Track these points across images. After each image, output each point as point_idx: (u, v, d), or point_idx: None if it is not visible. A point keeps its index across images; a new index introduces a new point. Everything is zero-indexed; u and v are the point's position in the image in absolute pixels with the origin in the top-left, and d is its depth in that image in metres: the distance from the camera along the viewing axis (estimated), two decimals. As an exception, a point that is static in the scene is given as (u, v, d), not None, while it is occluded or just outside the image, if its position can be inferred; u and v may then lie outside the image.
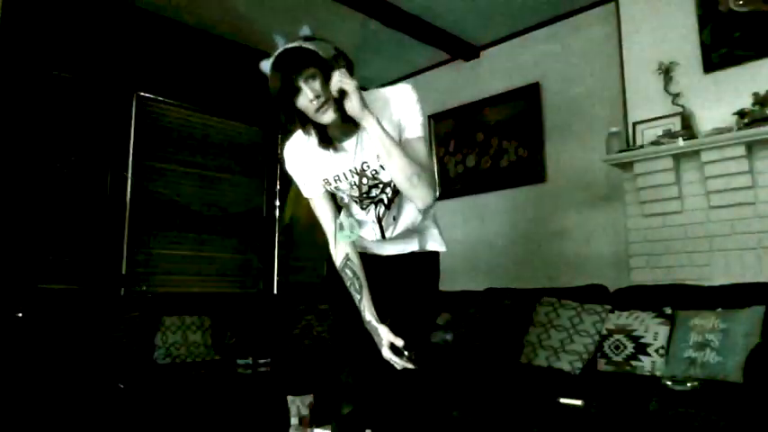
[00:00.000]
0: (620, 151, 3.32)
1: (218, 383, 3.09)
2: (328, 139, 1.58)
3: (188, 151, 4.13)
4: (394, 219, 1.71)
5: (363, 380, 1.77)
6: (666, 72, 3.25)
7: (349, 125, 1.56)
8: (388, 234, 1.72)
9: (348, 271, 1.68)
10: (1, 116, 3.23)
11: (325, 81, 1.47)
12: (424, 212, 1.75)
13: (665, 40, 3.32)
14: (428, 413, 1.93)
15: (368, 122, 1.48)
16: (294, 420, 2.18)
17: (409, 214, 1.72)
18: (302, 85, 1.46)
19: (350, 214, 1.74)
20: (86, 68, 3.62)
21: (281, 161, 4.63)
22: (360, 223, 1.72)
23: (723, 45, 3.08)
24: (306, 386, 2.35)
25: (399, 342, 1.55)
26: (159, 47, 3.97)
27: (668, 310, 2.67)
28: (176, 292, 3.89)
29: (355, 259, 1.69)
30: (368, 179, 1.62)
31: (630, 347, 2.64)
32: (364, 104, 1.48)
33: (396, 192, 1.66)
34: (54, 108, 3.47)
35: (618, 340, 2.71)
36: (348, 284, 1.67)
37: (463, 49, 4.44)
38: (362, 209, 1.69)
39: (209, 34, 4.19)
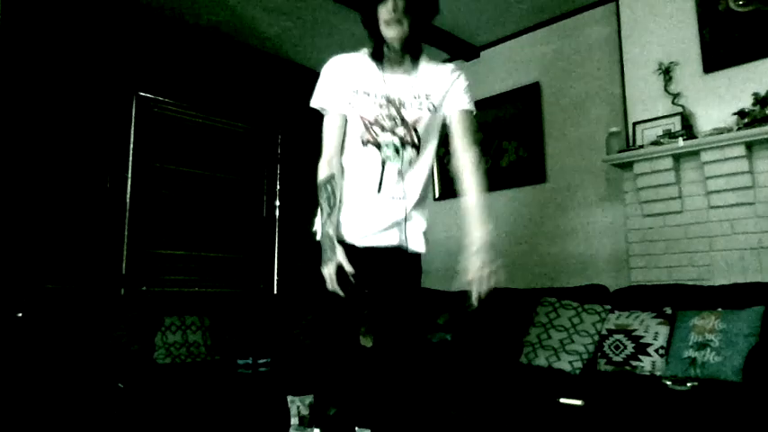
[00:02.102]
0: (620, 151, 3.32)
1: (218, 383, 3.09)
2: (381, 53, 1.70)
3: (188, 151, 4.13)
4: (399, 174, 1.70)
5: (348, 380, 1.78)
6: (666, 72, 3.25)
7: (405, 56, 1.70)
8: (384, 189, 1.69)
9: (329, 187, 1.71)
10: (1, 116, 3.23)
11: (408, 7, 1.60)
12: (425, 189, 1.76)
13: (665, 40, 3.32)
14: (422, 411, 1.94)
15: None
16: (294, 420, 2.18)
17: (415, 179, 1.73)
18: None
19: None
20: (86, 68, 3.62)
21: (281, 161, 4.63)
22: (362, 170, 1.71)
23: (723, 45, 3.08)
24: (306, 386, 2.35)
25: (349, 268, 1.60)
26: (159, 47, 3.97)
27: (668, 310, 2.67)
28: (176, 291, 3.89)
29: (339, 181, 1.73)
30: (396, 112, 1.68)
31: (630, 347, 2.64)
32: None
33: (413, 145, 1.70)
34: (54, 108, 3.47)
35: (618, 340, 2.71)
36: (323, 198, 1.70)
37: (463, 49, 4.44)
38: (376, 146, 1.68)
39: (209, 34, 4.19)
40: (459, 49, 4.44)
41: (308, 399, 2.22)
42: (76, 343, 3.11)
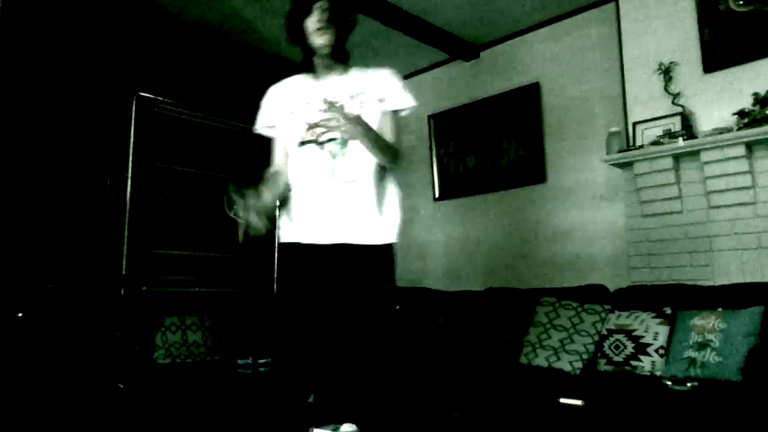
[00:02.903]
0: (620, 151, 3.32)
1: (218, 383, 3.09)
2: (311, 63, 1.87)
3: (188, 151, 4.13)
4: (346, 166, 1.80)
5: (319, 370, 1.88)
6: (666, 72, 3.25)
7: (334, 62, 1.87)
8: (339, 176, 1.80)
9: (274, 174, 1.93)
10: (1, 116, 3.23)
11: (332, 17, 1.79)
12: (383, 172, 1.86)
13: (665, 40, 3.32)
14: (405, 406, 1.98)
15: (360, 137, 1.73)
16: None
17: (366, 169, 1.83)
18: (316, 8, 1.79)
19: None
20: (86, 68, 3.62)
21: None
22: (311, 165, 1.83)
23: (723, 45, 3.08)
24: (306, 386, 2.35)
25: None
26: (159, 47, 3.97)
27: (668, 310, 2.67)
28: (176, 291, 3.89)
29: (284, 177, 1.92)
30: (338, 110, 1.77)
31: (630, 347, 2.64)
32: (358, 124, 1.71)
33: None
34: (54, 108, 3.47)
35: (618, 340, 2.71)
36: (266, 177, 1.89)
37: (463, 49, 4.44)
38: (319, 144, 1.81)
39: (209, 34, 4.19)
40: (459, 49, 4.44)
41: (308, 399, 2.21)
42: (76, 343, 3.11)
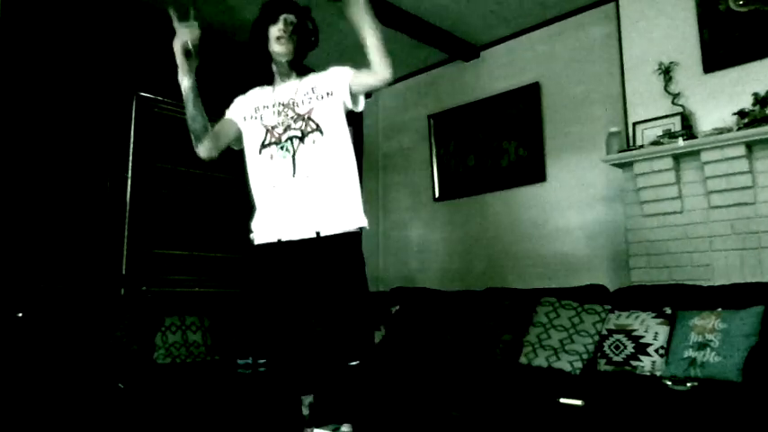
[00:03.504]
0: (621, 151, 3.32)
1: (218, 383, 3.09)
2: (270, 71, 2.02)
3: (188, 151, 4.10)
4: (305, 160, 1.87)
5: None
6: (666, 72, 3.25)
7: (290, 70, 1.99)
8: (300, 171, 1.86)
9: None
10: (1, 116, 3.23)
11: (296, 30, 1.94)
12: (341, 165, 1.89)
13: (665, 40, 3.32)
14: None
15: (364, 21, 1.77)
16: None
17: (326, 158, 1.88)
18: (281, 18, 1.93)
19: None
20: (86, 68, 3.62)
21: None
22: (272, 166, 1.92)
23: (723, 45, 3.08)
24: (305, 385, 2.35)
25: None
26: (160, 47, 3.95)
27: (668, 310, 2.67)
28: (176, 291, 3.89)
29: (206, 123, 2.08)
30: (292, 111, 1.92)
31: (630, 347, 2.64)
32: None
33: (313, 129, 1.89)
34: (54, 108, 3.47)
35: (618, 340, 2.71)
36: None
37: (463, 49, 4.45)
38: (279, 144, 1.90)
39: (209, 34, 4.14)
40: (459, 49, 4.44)
41: (309, 398, 2.21)
42: (76, 343, 3.11)
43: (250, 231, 2.04)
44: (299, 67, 2.01)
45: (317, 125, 1.88)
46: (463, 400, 2.61)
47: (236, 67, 4.40)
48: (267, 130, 1.95)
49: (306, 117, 1.90)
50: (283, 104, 1.94)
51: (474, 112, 4.50)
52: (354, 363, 1.83)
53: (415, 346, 3.49)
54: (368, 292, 1.95)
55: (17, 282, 3.19)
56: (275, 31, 1.94)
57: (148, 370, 3.18)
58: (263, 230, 1.97)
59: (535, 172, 4.05)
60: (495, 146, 4.34)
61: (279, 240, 1.90)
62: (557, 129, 3.99)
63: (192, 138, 2.06)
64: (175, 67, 1.98)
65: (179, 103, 2.05)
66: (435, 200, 4.68)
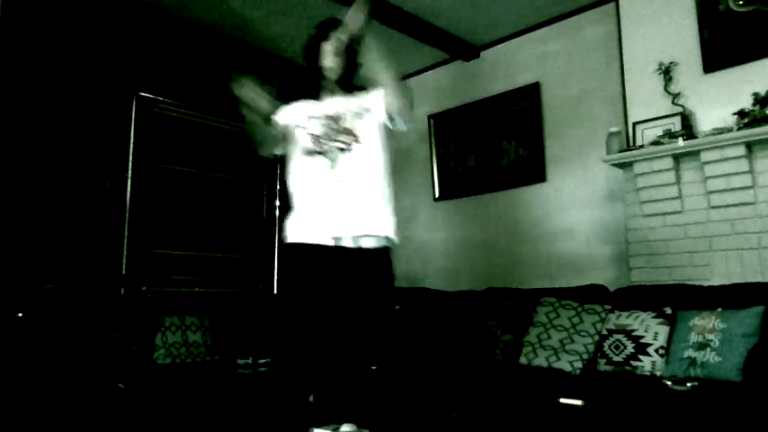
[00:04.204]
0: (621, 151, 3.32)
1: (218, 383, 3.09)
2: (318, 84, 2.16)
3: (188, 151, 4.13)
4: (347, 171, 2.05)
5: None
6: (666, 72, 3.25)
7: (337, 87, 2.15)
8: (340, 178, 2.04)
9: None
10: (1, 116, 3.23)
11: (346, 49, 2.08)
12: (379, 175, 2.09)
13: (665, 40, 3.32)
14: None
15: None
16: None
17: (367, 171, 2.07)
18: (333, 36, 2.09)
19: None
20: (86, 68, 3.62)
21: (280, 161, 4.63)
22: (315, 171, 2.09)
23: (723, 45, 3.08)
24: (306, 386, 2.35)
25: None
26: (159, 47, 3.97)
27: (668, 310, 2.67)
28: (176, 291, 3.88)
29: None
30: (335, 122, 2.09)
31: (630, 347, 2.64)
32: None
33: (354, 142, 2.07)
34: (54, 108, 3.47)
35: (618, 340, 2.71)
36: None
37: (463, 49, 4.44)
38: (323, 154, 2.07)
39: (210, 33, 4.19)
40: (459, 49, 4.44)
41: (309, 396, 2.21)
42: (76, 343, 3.11)
43: (282, 230, 2.19)
44: (347, 84, 2.17)
45: (358, 138, 2.07)
46: (463, 399, 2.61)
47: (236, 67, 4.41)
48: (314, 140, 2.10)
49: (349, 131, 2.08)
50: (330, 117, 2.10)
51: (474, 111, 4.50)
52: (374, 367, 1.95)
53: (414, 345, 3.49)
54: (393, 303, 2.11)
55: (17, 282, 3.19)
56: (328, 46, 2.11)
57: (148, 370, 3.18)
58: (302, 231, 2.10)
59: (535, 172, 4.05)
60: (495, 146, 4.34)
61: (317, 243, 2.04)
62: (557, 129, 3.99)
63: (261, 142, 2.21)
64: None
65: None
66: (435, 200, 4.68)
